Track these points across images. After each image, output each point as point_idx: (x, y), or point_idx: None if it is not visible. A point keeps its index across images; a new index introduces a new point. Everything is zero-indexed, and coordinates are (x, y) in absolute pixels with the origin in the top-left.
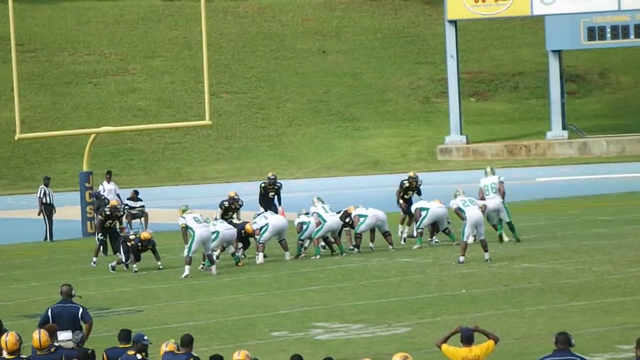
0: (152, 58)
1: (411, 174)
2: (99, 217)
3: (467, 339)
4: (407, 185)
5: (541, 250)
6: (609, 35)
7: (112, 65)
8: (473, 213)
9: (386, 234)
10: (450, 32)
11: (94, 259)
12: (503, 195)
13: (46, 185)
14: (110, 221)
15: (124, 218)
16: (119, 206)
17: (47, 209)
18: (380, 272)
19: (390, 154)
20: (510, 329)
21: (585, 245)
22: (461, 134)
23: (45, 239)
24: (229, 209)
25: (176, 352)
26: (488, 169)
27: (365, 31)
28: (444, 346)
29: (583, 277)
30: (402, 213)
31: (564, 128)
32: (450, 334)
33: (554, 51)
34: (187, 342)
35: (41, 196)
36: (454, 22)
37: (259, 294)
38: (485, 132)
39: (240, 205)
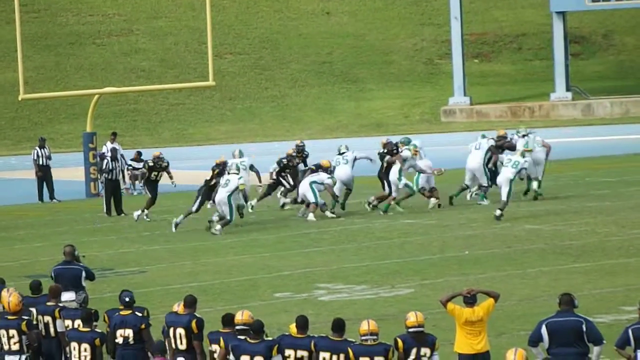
0: (156, 19)
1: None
2: (142, 170)
3: (470, 300)
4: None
5: (544, 212)
6: None
7: (115, 26)
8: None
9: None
10: None
11: (146, 211)
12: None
13: (41, 147)
14: (156, 173)
15: (127, 178)
16: (161, 155)
17: (42, 170)
18: (384, 234)
19: (393, 115)
20: (513, 290)
21: (589, 207)
22: (465, 96)
23: (40, 199)
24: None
25: (179, 312)
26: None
27: None
28: (450, 305)
29: (586, 238)
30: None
31: (567, 90)
32: (456, 294)
33: (557, 12)
34: (190, 302)
35: (35, 158)
36: None
37: (262, 255)
38: (489, 94)
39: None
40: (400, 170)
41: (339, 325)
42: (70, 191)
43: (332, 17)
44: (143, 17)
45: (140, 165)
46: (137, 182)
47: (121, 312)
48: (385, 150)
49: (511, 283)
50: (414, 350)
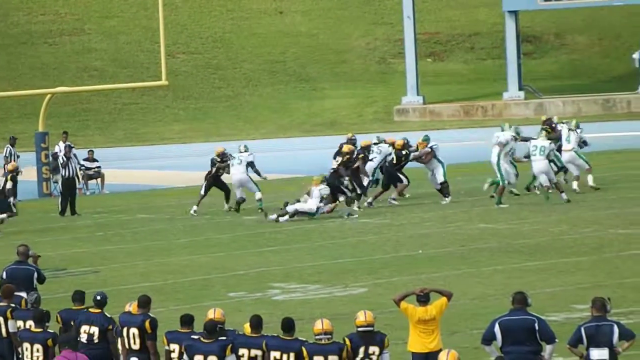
0: (108, 18)
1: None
2: (215, 170)
3: (423, 299)
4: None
5: (498, 211)
6: None
7: (67, 25)
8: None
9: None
10: None
11: (195, 207)
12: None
13: (12, 145)
14: (221, 168)
15: (80, 179)
16: (225, 151)
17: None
18: (338, 233)
19: (346, 114)
20: (466, 289)
21: (542, 206)
22: (418, 95)
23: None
24: None
25: (133, 312)
26: (506, 126)
27: None
28: (403, 304)
29: (539, 237)
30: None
31: (520, 89)
32: (409, 293)
33: (510, 12)
34: (144, 302)
35: (7, 155)
36: None
37: (216, 255)
38: (442, 93)
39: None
40: (499, 155)
41: (288, 325)
42: (22, 191)
43: (285, 16)
44: (95, 16)
45: (94, 165)
46: (90, 182)
47: (90, 310)
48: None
49: (464, 282)
50: (361, 349)
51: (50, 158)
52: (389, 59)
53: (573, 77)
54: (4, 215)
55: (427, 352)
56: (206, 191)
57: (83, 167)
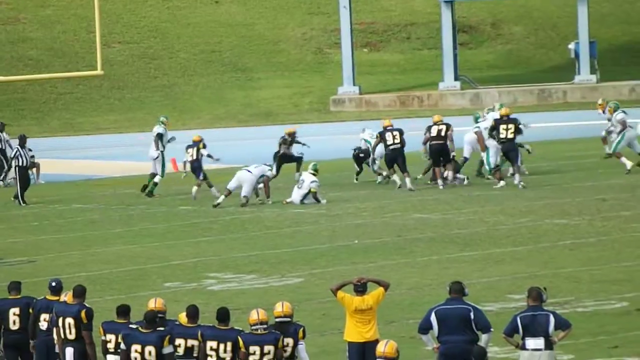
0: (43, 7)
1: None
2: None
3: (361, 288)
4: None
5: (433, 201)
6: None
7: (2, 14)
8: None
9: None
10: None
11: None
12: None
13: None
14: (287, 147)
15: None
16: (294, 131)
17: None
18: (273, 223)
19: (282, 105)
20: (402, 279)
21: (477, 196)
22: (354, 85)
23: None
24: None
25: (68, 302)
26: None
27: None
28: (340, 293)
29: (474, 227)
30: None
31: (456, 79)
32: (346, 282)
33: (446, 2)
34: (79, 292)
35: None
36: None
37: (152, 245)
38: (378, 83)
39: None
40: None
41: (223, 315)
42: None
43: (220, 6)
44: (30, 5)
45: (28, 154)
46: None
47: (47, 297)
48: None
49: (400, 272)
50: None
51: None
52: (325, 49)
53: (509, 68)
54: None
55: (364, 341)
56: (278, 170)
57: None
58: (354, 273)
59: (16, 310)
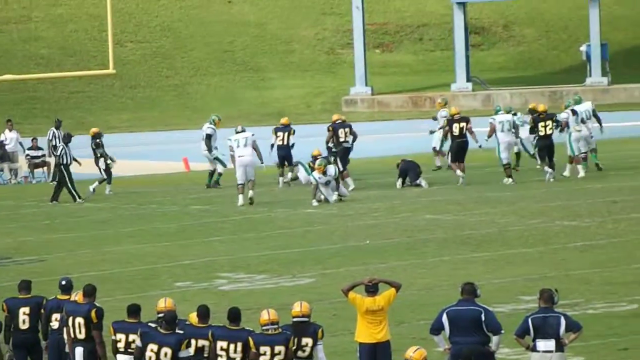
0: (55, 6)
1: None
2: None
3: (372, 289)
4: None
5: (444, 201)
6: None
7: (14, 13)
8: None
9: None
10: None
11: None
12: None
13: (57, 128)
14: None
15: (26, 167)
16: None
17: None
18: (285, 223)
19: (295, 104)
20: (413, 280)
21: (488, 197)
22: (366, 85)
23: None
24: None
25: (79, 301)
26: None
27: None
28: (351, 294)
29: (486, 228)
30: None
31: (468, 80)
32: (358, 283)
33: (458, 3)
34: (89, 292)
35: (50, 138)
36: None
37: (163, 244)
38: (390, 84)
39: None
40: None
41: (234, 315)
42: None
43: (233, 5)
44: (42, 4)
45: (39, 153)
46: (36, 170)
47: (58, 297)
48: None
49: (412, 272)
50: (294, 341)
51: None
52: (338, 50)
53: (520, 69)
54: None
55: (375, 342)
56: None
57: (28, 157)
58: (365, 273)
59: (26, 309)
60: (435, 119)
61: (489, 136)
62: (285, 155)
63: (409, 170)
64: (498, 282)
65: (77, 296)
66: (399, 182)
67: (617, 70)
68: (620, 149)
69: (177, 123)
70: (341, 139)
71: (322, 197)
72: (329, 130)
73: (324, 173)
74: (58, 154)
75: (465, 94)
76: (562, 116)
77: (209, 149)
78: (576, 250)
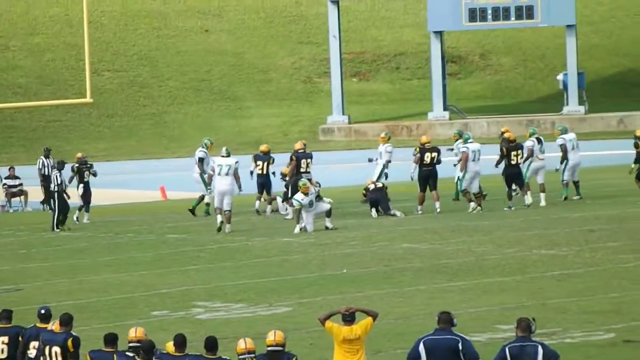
0: (33, 35)
1: None
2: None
3: (349, 318)
4: None
5: (421, 230)
6: (490, 16)
7: None
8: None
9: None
10: (332, 12)
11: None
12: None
13: (46, 157)
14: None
15: (3, 196)
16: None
17: (46, 181)
18: (262, 252)
19: (272, 133)
20: (390, 309)
21: (465, 226)
22: (343, 114)
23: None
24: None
25: (55, 331)
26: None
27: (247, 10)
28: (328, 323)
29: (462, 257)
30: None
31: (445, 109)
32: (335, 312)
33: (435, 32)
34: (66, 321)
35: (40, 167)
36: (336, 2)
37: (140, 273)
38: (367, 113)
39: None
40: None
41: (211, 344)
42: None
43: (210, 34)
44: (20, 33)
45: (16, 182)
46: (13, 199)
47: (37, 325)
48: None
49: (389, 301)
50: None
51: None
52: (315, 78)
53: (497, 98)
54: None
55: None
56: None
57: (5, 185)
58: (342, 302)
59: (5, 339)
60: (371, 160)
61: (462, 166)
62: (263, 182)
63: (379, 201)
64: (474, 311)
65: (54, 325)
66: (373, 211)
67: (594, 99)
68: (597, 177)
69: (154, 152)
70: (302, 170)
71: (303, 224)
72: (291, 159)
73: (306, 194)
74: (58, 182)
75: (442, 123)
76: (527, 144)
77: (202, 172)
78: (553, 279)
